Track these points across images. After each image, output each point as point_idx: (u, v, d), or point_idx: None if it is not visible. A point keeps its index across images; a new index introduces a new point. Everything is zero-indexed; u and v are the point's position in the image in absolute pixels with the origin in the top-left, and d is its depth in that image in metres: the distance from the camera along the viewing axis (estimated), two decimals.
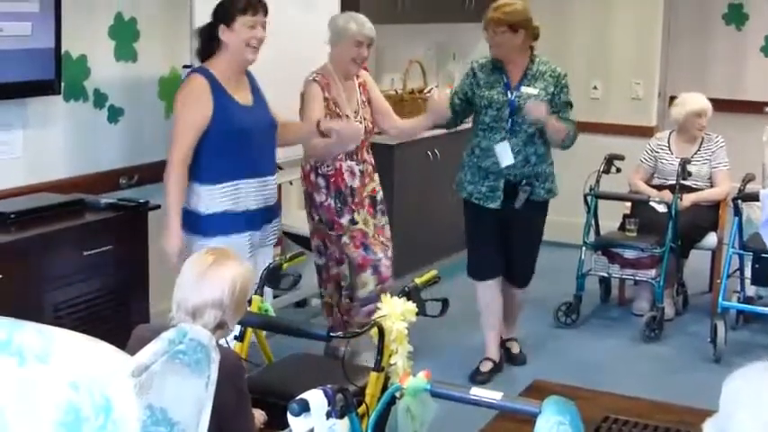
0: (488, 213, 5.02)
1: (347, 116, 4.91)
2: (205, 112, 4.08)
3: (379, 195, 5.11)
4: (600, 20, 7.71)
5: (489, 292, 5.19)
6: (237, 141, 4.12)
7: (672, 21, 8.00)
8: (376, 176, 5.12)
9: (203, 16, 4.34)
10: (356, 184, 4.96)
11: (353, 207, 4.97)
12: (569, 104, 5.03)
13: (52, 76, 4.52)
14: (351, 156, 4.94)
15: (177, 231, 4.08)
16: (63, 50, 4.58)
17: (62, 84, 4.62)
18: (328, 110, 4.89)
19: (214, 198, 4.13)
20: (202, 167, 4.12)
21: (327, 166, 4.94)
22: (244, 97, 4.21)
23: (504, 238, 5.09)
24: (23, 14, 4.34)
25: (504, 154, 4.91)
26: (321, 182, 4.97)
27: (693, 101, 6.35)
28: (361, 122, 4.95)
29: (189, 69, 4.24)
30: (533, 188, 4.97)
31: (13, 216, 4.10)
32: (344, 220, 4.97)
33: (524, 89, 4.93)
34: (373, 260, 5.00)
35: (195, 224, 4.16)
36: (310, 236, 5.18)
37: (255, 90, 4.32)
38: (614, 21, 7.67)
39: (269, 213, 4.35)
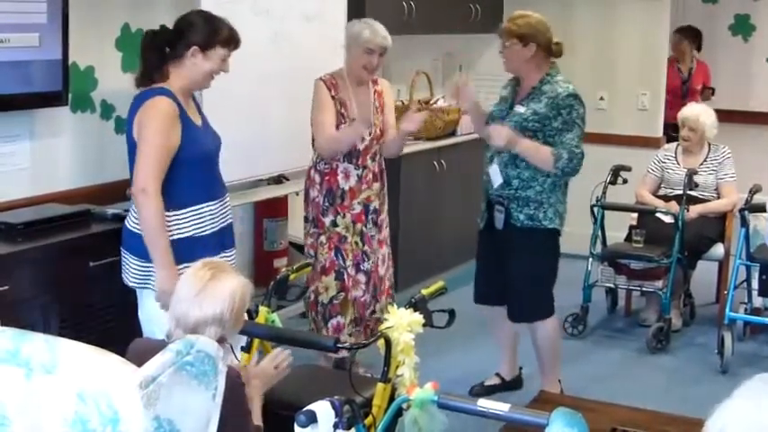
0: (482, 235, 4.90)
1: (353, 120, 4.90)
2: (177, 137, 3.81)
3: (374, 205, 5.02)
4: (606, 31, 7.70)
5: (490, 317, 5.05)
6: (201, 164, 3.93)
7: None
8: (377, 186, 5.04)
9: None
10: (348, 187, 4.94)
11: (339, 210, 4.95)
12: (569, 128, 4.57)
13: (59, 88, 4.52)
14: (350, 159, 4.92)
15: (175, 272, 3.72)
16: (70, 62, 4.59)
17: (69, 95, 4.63)
18: (335, 110, 4.91)
19: (180, 223, 3.87)
20: (167, 194, 3.81)
21: (325, 164, 4.95)
22: (195, 117, 3.97)
23: (502, 265, 4.80)
24: (31, 26, 4.35)
25: (495, 175, 4.70)
26: (317, 178, 4.99)
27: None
28: (368, 128, 4.93)
29: (150, 90, 3.82)
30: (510, 211, 4.66)
31: (20, 227, 4.11)
32: (327, 220, 4.96)
33: (517, 107, 4.67)
34: (338, 266, 4.97)
35: None
36: (304, 237, 5.15)
37: (199, 108, 4.09)
38: (620, 31, 7.67)
39: (229, 231, 4.09)
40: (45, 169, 4.66)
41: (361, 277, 5.03)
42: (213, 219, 3.97)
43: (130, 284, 3.96)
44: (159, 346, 2.52)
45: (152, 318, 3.84)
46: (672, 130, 6.55)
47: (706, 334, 6.05)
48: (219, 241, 4.00)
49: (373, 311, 5.08)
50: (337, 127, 4.90)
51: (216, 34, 3.88)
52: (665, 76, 7.67)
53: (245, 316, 3.04)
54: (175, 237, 3.84)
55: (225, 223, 4.05)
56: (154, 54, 3.90)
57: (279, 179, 5.76)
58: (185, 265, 3.73)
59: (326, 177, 4.95)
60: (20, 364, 2.35)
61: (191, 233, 3.89)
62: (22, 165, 4.55)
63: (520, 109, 4.65)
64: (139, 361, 2.35)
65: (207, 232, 3.94)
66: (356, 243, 4.99)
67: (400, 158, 6.31)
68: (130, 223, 3.93)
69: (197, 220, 3.91)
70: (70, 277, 4.14)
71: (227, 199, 4.11)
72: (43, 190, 4.63)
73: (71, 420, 2.28)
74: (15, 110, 4.42)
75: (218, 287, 2.82)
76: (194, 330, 2.76)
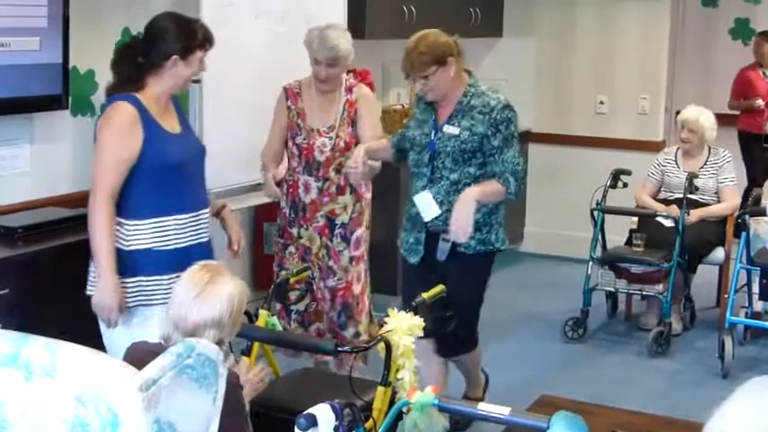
0: (413, 269, 4.44)
1: (312, 130, 4.83)
2: (135, 144, 3.61)
3: (342, 219, 4.89)
4: (606, 35, 7.70)
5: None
6: (167, 174, 3.67)
7: (678, 36, 8.02)
8: (343, 199, 4.89)
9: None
10: (309, 200, 4.87)
11: (302, 222, 4.90)
12: (509, 144, 4.21)
13: (60, 91, 4.53)
14: (309, 171, 4.85)
15: (115, 283, 3.57)
16: (71, 65, 4.58)
17: (69, 98, 4.63)
18: (290, 119, 4.87)
19: (139, 234, 3.64)
20: (128, 201, 3.63)
21: (290, 176, 4.95)
22: (171, 125, 3.76)
23: None
24: (31, 29, 4.35)
25: (427, 206, 4.28)
26: (284, 188, 4.98)
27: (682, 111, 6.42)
28: (331, 139, 4.84)
29: (115, 96, 3.72)
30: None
31: (20, 230, 4.11)
32: (294, 231, 4.93)
33: (446, 129, 4.24)
34: (308, 277, 4.83)
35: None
36: (274, 248, 5.11)
37: (181, 115, 3.88)
38: (620, 36, 7.67)
39: (201, 251, 3.70)
40: (45, 173, 4.66)
41: (327, 294, 4.94)
42: (180, 234, 3.71)
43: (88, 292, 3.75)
44: (158, 349, 2.52)
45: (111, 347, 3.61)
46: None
47: (706, 338, 6.05)
48: (185, 259, 3.43)
49: (357, 333, 4.97)
50: (294, 137, 4.85)
51: (192, 39, 3.73)
52: (665, 80, 7.67)
53: (245, 319, 3.04)
54: (132, 248, 3.65)
55: (196, 240, 3.76)
56: (130, 66, 3.74)
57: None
58: (139, 278, 3.65)
59: (290, 189, 4.94)
60: (20, 367, 2.35)
61: (149, 246, 3.66)
62: (22, 168, 4.55)
63: (452, 130, 4.25)
64: (138, 364, 2.35)
65: (170, 247, 3.68)
66: (322, 256, 4.92)
67: (399, 168, 6.30)
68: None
69: (159, 232, 3.67)
70: (70, 281, 4.13)
71: (204, 214, 3.82)
72: (43, 193, 4.63)
73: (71, 423, 2.28)
74: (16, 113, 4.42)
75: (217, 290, 2.83)
76: (192, 333, 2.77)
